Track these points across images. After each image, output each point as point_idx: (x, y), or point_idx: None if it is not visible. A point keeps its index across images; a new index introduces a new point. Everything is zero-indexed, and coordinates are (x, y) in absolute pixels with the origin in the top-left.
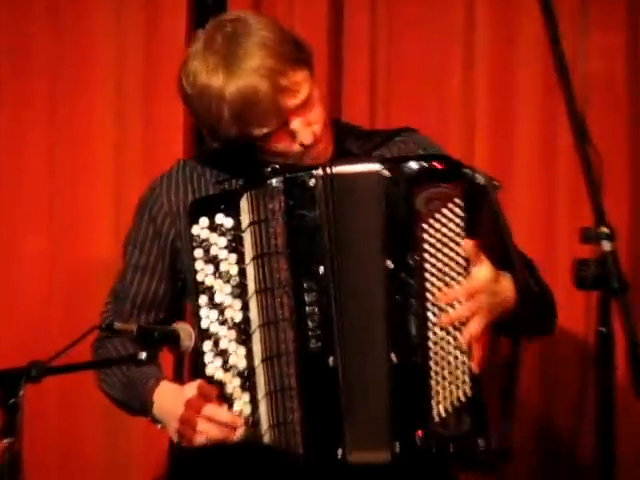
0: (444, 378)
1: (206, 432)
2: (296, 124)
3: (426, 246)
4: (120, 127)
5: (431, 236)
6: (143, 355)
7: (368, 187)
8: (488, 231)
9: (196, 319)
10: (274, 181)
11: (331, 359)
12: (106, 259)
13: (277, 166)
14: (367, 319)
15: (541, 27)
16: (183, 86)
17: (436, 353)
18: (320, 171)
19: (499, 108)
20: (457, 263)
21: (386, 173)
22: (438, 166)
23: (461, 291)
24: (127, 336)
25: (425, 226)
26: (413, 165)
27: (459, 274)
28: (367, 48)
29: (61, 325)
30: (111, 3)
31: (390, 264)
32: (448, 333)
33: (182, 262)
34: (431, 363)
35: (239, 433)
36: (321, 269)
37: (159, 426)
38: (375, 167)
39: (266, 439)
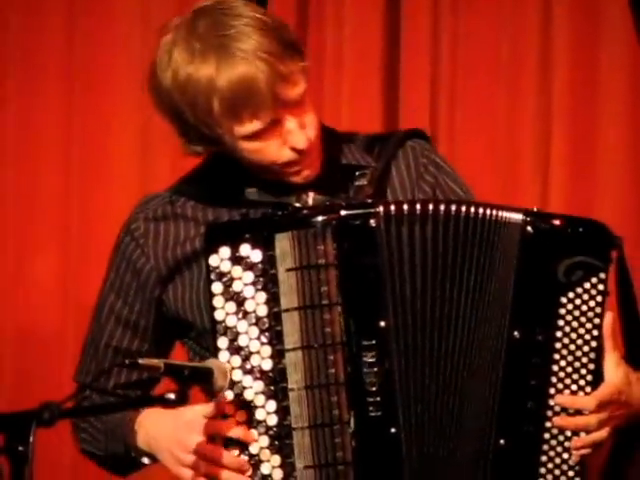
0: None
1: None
2: (290, 124)
3: (560, 323)
4: (146, 135)
5: (568, 312)
6: (172, 395)
7: (498, 238)
8: (624, 314)
9: None
10: (321, 219)
11: (393, 430)
12: None
13: (309, 198)
14: (454, 386)
15: (629, 20)
16: (157, 79)
17: (548, 448)
18: (381, 209)
19: (579, 116)
20: (590, 348)
21: (530, 229)
22: (589, 232)
23: (592, 402)
24: (153, 373)
25: (564, 300)
26: (562, 226)
27: (591, 361)
28: (427, 53)
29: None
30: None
31: (517, 334)
32: (564, 435)
33: (171, 308)
34: (542, 457)
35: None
36: (382, 324)
37: (146, 460)
38: (518, 217)
39: None
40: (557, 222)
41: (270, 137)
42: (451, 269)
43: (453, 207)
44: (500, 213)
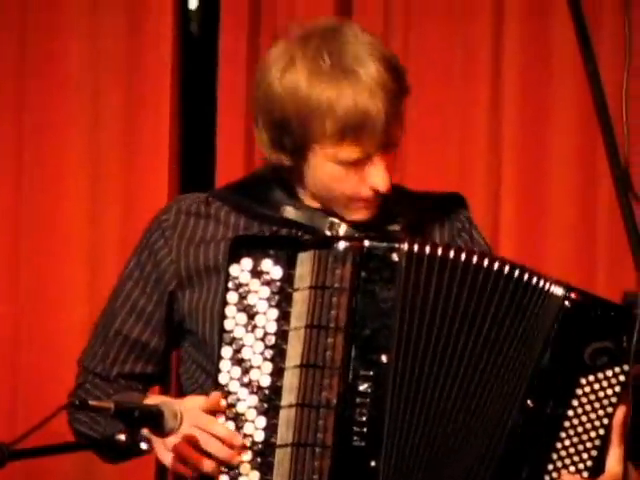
0: None
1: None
2: (380, 164)
3: (575, 403)
4: (96, 166)
5: (585, 395)
6: (122, 437)
7: (530, 303)
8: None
9: (213, 374)
10: (345, 244)
11: (373, 463)
12: (80, 331)
13: (336, 221)
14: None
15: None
16: (271, 86)
17: None
18: (406, 246)
19: (528, 135)
20: (597, 435)
21: (568, 304)
22: (624, 321)
23: None
24: (103, 415)
25: (583, 381)
26: (599, 308)
27: (595, 447)
28: None
29: (27, 403)
30: (86, 16)
31: (530, 403)
32: None
33: (180, 310)
34: None
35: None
36: (383, 358)
37: (144, 446)
38: (559, 291)
39: None
40: (595, 302)
41: (355, 170)
42: (461, 318)
43: (474, 258)
44: (538, 281)
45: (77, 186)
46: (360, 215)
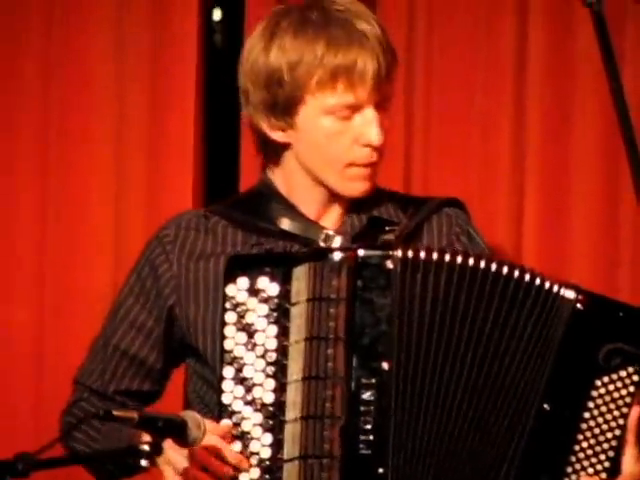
0: None
1: None
2: (371, 114)
3: (590, 404)
4: (121, 172)
5: (600, 396)
6: (146, 447)
7: (542, 308)
8: None
9: (217, 391)
10: (339, 255)
11: (381, 470)
12: None
13: (331, 233)
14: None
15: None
16: (260, 52)
17: None
18: (399, 253)
19: (552, 162)
20: (614, 436)
21: (579, 307)
22: (637, 321)
23: None
24: (127, 424)
25: (598, 383)
26: (611, 309)
27: (611, 448)
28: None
29: (52, 412)
30: (111, 29)
31: (547, 407)
32: None
33: (181, 325)
34: None
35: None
36: (384, 365)
37: (144, 463)
38: (570, 294)
39: None
40: (607, 304)
41: (348, 127)
42: (461, 322)
43: (471, 260)
44: (542, 283)
45: (102, 191)
46: (357, 188)
